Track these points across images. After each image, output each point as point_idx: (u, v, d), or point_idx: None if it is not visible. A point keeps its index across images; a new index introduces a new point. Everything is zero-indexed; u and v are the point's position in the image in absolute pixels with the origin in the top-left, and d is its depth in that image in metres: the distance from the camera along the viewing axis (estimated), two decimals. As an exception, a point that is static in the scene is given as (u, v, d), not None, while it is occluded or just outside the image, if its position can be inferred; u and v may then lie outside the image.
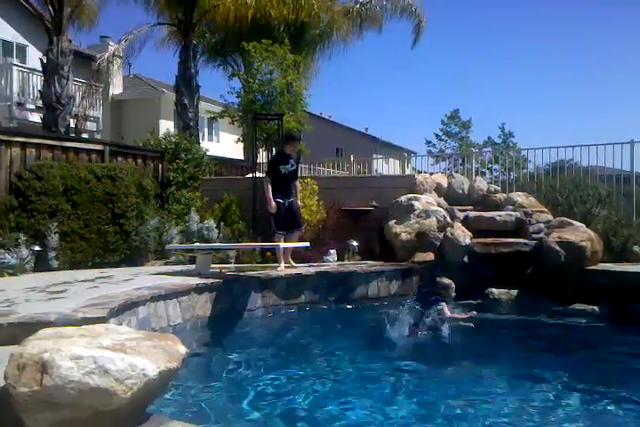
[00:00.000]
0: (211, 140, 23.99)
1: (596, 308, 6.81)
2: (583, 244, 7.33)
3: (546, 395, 3.97)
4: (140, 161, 9.81)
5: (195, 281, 5.83)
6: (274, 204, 7.47)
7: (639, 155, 9.92)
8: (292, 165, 7.70)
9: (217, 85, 49.73)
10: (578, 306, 6.88)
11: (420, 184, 9.59)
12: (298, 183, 7.99)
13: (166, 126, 17.77)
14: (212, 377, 4.30)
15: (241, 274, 6.81)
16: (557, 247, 7.33)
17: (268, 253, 8.36)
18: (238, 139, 12.21)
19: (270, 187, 7.54)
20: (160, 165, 10.18)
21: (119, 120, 21.60)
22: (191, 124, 13.85)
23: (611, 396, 3.93)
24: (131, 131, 18.60)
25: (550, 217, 8.44)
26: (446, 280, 6.05)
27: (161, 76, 43.38)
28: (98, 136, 18.05)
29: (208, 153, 11.36)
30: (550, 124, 70.29)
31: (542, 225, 8.16)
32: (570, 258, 7.28)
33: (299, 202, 7.94)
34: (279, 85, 9.92)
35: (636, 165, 9.99)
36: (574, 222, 7.96)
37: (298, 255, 8.19)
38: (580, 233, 7.56)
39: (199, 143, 12.63)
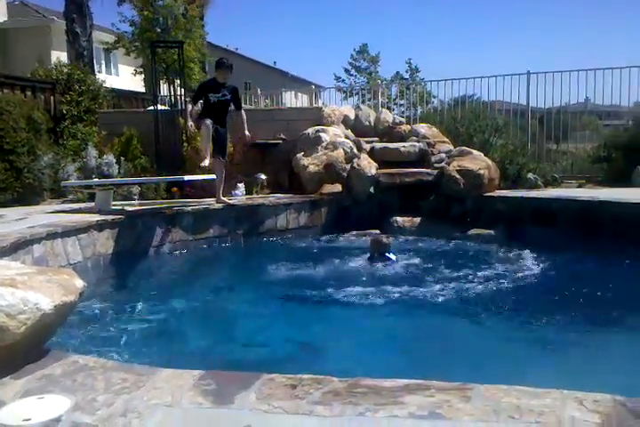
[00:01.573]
0: (109, 73, 22.61)
1: (492, 232, 7.22)
2: (481, 172, 7.65)
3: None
4: (28, 93, 9.12)
5: (94, 218, 5.62)
6: (205, 125, 6.75)
7: (534, 86, 10.33)
8: (225, 95, 7.00)
9: (113, 14, 46.33)
10: (475, 231, 7.27)
11: (328, 116, 9.57)
12: (243, 112, 7.32)
13: (59, 58, 16.51)
14: (112, 312, 4.22)
15: (144, 209, 6.62)
16: (457, 175, 7.62)
17: (174, 189, 8.16)
18: (135, 70, 11.52)
19: (202, 118, 6.87)
20: (52, 98, 9.51)
21: (4, 51, 19.82)
22: (85, 53, 12.93)
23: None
24: (19, 63, 17.09)
25: (451, 147, 8.72)
26: (385, 240, 6.10)
27: (51, 3, 39.84)
28: (-20, 68, 16.55)
29: (105, 85, 10.72)
30: (457, 62, 71.31)
31: (444, 155, 8.42)
32: (468, 185, 7.60)
33: (247, 133, 7.23)
34: (174, 9, 9.34)
35: (531, 95, 10.42)
36: (473, 151, 8.27)
37: (206, 190, 8.07)
38: (478, 161, 7.88)
39: (95, 74, 11.87)
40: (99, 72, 16.56)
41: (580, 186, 9.04)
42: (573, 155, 10.70)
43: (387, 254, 5.81)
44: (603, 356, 3.37)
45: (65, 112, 9.47)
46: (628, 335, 3.73)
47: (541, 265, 5.62)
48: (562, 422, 1.71)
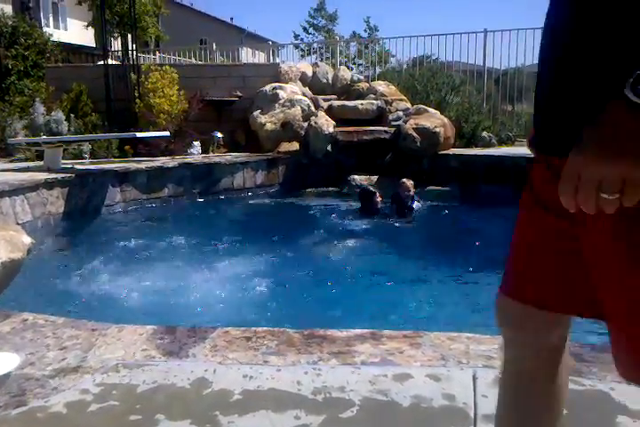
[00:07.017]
0: (57, 27, 21.47)
1: (447, 189, 7.31)
2: (437, 130, 7.68)
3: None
4: (-32, 46, 8.66)
5: (43, 176, 5.43)
6: None
7: (491, 45, 10.32)
8: None
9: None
10: (431, 188, 7.34)
11: (285, 73, 9.40)
12: None
13: (3, 9, 15.61)
14: (62, 272, 4.12)
15: (95, 167, 6.44)
16: (414, 133, 7.63)
17: (127, 147, 7.95)
18: (89, 23, 11.02)
19: None
20: (-5, 51, 9.07)
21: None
22: (30, 4, 12.28)
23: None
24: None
25: (409, 105, 8.69)
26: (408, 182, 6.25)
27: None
28: None
29: (53, 39, 10.26)
30: (416, 22, 70.39)
31: (401, 113, 8.40)
32: (425, 144, 7.63)
33: None
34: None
35: (487, 55, 10.41)
36: (430, 109, 8.27)
37: (160, 148, 7.89)
38: (434, 119, 7.90)
39: (42, 28, 11.32)
40: (46, 26, 15.75)
41: (533, 144, 9.17)
42: (528, 115, 10.81)
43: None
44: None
45: (10, 67, 9.06)
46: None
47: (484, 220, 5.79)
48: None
